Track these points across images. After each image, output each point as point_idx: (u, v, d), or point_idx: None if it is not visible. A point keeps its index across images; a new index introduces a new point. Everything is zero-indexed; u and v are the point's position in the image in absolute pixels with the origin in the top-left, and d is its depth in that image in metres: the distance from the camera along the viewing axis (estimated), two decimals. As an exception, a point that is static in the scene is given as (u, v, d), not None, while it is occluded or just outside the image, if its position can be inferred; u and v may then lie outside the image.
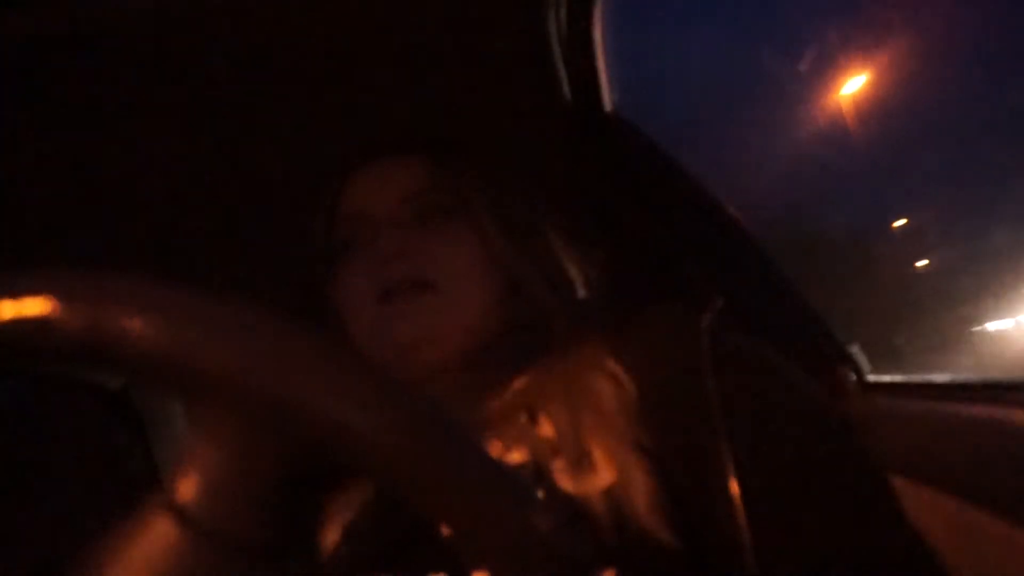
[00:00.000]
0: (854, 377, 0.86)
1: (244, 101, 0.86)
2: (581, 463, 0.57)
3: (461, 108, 0.93)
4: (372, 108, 0.89)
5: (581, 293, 0.76)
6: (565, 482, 0.56)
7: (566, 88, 0.96)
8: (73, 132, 0.83)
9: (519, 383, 0.65)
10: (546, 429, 0.60)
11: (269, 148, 0.92)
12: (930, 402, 0.76)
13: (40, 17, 0.70)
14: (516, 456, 0.59)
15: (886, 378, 0.86)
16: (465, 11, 0.82)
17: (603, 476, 0.56)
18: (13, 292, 0.28)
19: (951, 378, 0.77)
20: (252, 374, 0.30)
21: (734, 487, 0.53)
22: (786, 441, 0.54)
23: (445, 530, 0.44)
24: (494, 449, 0.59)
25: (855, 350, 0.88)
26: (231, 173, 0.95)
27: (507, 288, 0.72)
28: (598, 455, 0.57)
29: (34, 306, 0.28)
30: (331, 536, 0.62)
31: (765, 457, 0.54)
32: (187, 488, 0.33)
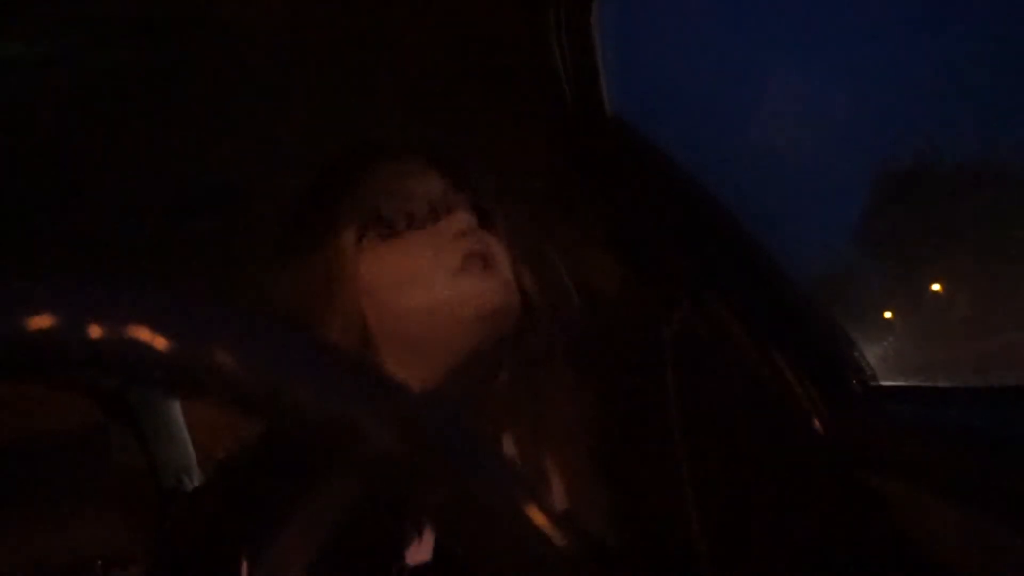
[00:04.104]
0: (859, 382, 0.85)
1: (244, 103, 0.85)
2: (538, 479, 0.59)
3: (461, 110, 0.93)
4: (370, 111, 0.89)
5: (572, 302, 0.77)
6: None
7: (566, 89, 0.96)
8: (66, 135, 0.83)
9: (490, 397, 0.67)
10: (508, 448, 0.62)
11: (267, 155, 0.92)
12: (935, 408, 0.76)
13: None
14: None
15: (890, 383, 0.85)
16: (464, 13, 0.81)
17: (558, 491, 0.59)
18: (118, 313, 0.28)
19: (956, 383, 0.77)
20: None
21: (690, 498, 0.54)
22: (746, 453, 0.56)
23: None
24: None
25: (860, 354, 0.87)
26: (231, 176, 0.94)
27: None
28: (554, 471, 0.60)
29: (137, 332, 0.27)
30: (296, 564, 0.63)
31: (723, 468, 0.55)
32: None
